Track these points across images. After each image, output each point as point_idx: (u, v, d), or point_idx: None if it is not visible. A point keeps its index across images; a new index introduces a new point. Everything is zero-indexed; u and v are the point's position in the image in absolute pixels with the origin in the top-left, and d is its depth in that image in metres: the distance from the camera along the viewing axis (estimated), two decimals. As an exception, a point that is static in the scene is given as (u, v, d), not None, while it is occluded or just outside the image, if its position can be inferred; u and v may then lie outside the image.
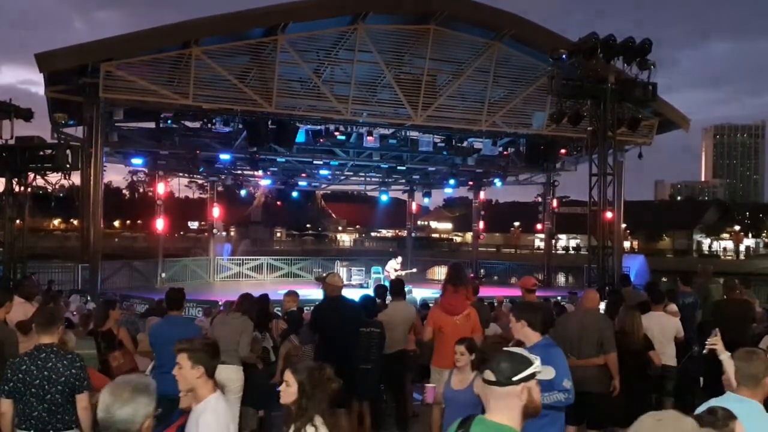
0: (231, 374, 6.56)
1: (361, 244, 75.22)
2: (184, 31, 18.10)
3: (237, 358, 6.78)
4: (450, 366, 5.40)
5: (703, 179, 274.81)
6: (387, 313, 8.07)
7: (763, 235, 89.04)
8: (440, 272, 30.30)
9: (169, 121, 19.89)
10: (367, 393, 7.37)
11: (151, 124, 20.49)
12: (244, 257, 30.43)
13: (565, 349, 6.97)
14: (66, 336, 5.68)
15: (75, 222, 45.61)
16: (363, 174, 29.11)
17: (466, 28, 19.94)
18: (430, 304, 11.16)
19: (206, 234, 31.81)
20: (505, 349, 2.81)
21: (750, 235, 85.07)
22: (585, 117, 15.26)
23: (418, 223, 59.39)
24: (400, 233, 71.47)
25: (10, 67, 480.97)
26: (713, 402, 3.42)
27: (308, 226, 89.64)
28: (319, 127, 20.50)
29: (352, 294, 9.22)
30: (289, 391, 3.26)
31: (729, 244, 77.22)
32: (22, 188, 14.61)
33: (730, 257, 69.52)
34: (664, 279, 30.97)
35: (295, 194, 33.37)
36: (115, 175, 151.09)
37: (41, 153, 14.01)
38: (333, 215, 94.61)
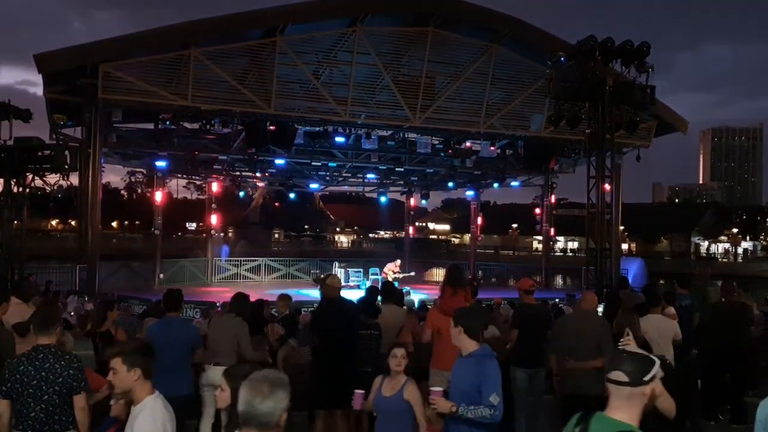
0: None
1: (360, 246, 75.24)
2: (183, 33, 18.12)
3: (233, 359, 6.73)
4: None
5: (700, 182, 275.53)
6: (381, 315, 8.05)
7: (761, 237, 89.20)
8: (438, 274, 30.31)
9: (167, 122, 19.86)
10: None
11: (150, 125, 20.49)
12: (241, 258, 30.42)
13: (562, 351, 7.00)
14: (64, 337, 5.67)
15: (73, 223, 45.47)
16: (361, 175, 29.13)
17: (465, 30, 19.98)
18: (429, 306, 11.16)
19: (204, 235, 31.75)
20: (626, 350, 2.93)
21: (747, 237, 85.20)
22: (583, 119, 15.24)
23: (416, 224, 59.40)
24: (398, 234, 71.46)
25: (9, 68, 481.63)
26: None
27: (306, 227, 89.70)
28: (317, 129, 20.53)
29: (351, 295, 9.18)
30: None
31: (727, 247, 77.34)
32: (20, 189, 14.54)
33: (726, 260, 69.65)
34: (661, 282, 30.96)
35: (292, 195, 33.29)
36: (114, 176, 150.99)
37: (39, 154, 13.93)
38: (331, 216, 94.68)
